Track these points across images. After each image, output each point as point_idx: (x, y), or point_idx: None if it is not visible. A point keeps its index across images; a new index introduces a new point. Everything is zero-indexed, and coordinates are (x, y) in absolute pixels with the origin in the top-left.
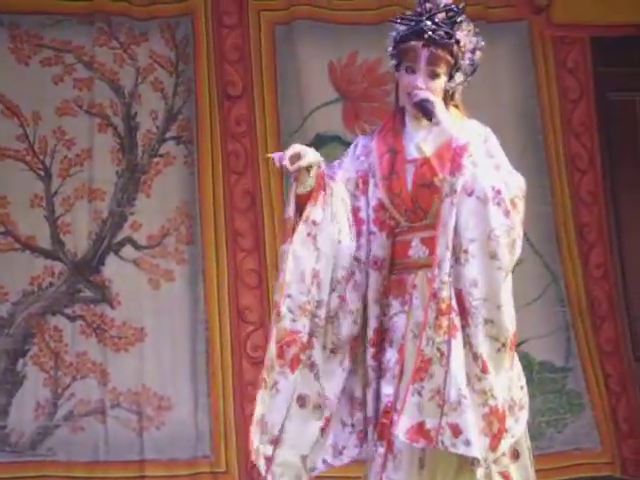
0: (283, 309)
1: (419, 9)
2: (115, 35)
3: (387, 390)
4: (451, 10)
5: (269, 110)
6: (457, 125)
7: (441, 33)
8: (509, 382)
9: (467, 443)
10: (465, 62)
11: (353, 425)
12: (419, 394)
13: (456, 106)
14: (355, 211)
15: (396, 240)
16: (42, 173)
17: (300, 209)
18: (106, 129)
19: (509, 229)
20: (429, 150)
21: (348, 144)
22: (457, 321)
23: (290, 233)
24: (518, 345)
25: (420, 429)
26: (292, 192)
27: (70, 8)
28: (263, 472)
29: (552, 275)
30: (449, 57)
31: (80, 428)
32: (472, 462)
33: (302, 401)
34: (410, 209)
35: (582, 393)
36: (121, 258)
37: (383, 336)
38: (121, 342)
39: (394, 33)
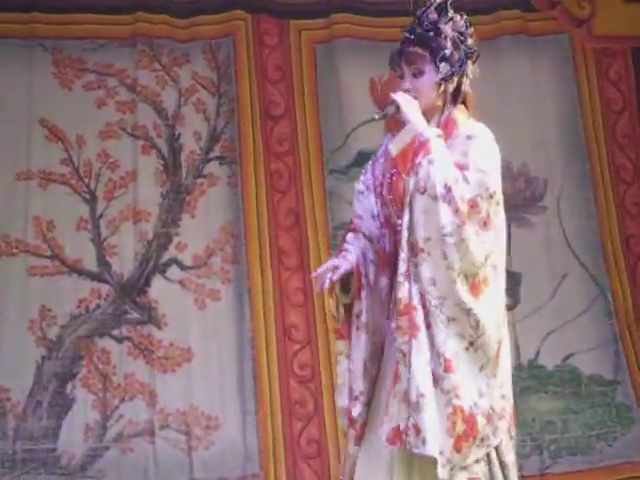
0: None
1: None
2: (157, 57)
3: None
4: (431, 10)
5: (311, 129)
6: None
7: (419, 31)
8: (485, 388)
9: (424, 442)
10: (447, 51)
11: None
12: (395, 397)
13: (463, 104)
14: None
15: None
16: (87, 196)
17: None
18: (150, 151)
19: (457, 228)
20: (395, 149)
21: None
22: (420, 320)
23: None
24: (566, 359)
25: (397, 431)
26: (338, 305)
27: (112, 32)
28: None
29: (599, 288)
30: (423, 51)
31: (129, 449)
32: (434, 462)
33: None
34: (397, 206)
35: (631, 406)
36: (167, 279)
37: None
38: (168, 363)
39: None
